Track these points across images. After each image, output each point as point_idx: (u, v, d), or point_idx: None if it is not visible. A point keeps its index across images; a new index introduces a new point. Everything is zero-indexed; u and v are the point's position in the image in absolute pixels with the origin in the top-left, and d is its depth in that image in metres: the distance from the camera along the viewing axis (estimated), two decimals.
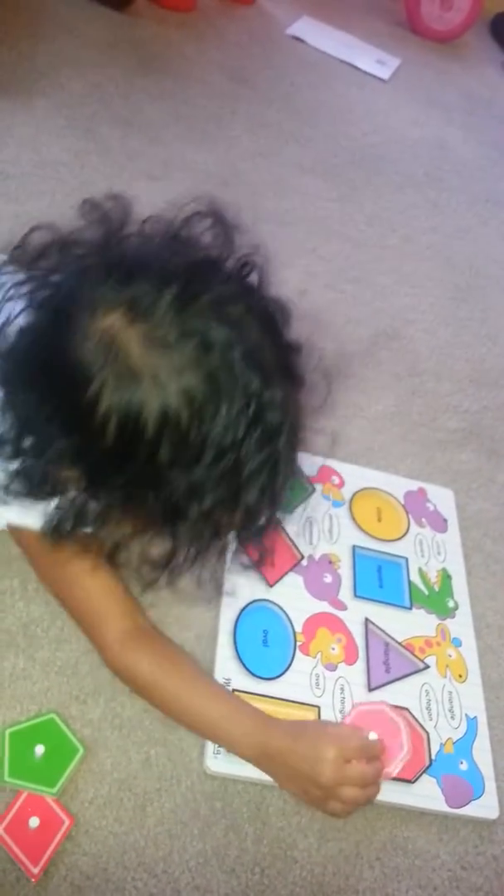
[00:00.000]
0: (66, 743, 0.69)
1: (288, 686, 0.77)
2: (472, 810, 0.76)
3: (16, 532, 0.70)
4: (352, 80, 1.87)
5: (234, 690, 0.75)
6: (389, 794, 0.73)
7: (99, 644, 0.71)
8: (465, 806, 0.75)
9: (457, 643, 0.88)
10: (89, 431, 0.55)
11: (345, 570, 0.89)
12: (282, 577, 0.85)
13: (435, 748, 0.78)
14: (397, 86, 1.92)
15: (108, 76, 1.48)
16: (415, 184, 1.62)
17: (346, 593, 0.87)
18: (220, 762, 0.71)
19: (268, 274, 0.63)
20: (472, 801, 0.76)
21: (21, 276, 0.62)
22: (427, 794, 0.75)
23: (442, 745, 0.79)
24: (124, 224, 0.62)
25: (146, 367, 0.54)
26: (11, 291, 0.62)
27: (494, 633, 0.92)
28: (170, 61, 1.61)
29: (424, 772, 0.76)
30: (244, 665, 0.77)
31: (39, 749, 0.68)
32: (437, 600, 0.91)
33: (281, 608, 0.83)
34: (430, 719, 0.80)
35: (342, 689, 0.79)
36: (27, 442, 0.60)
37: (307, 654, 0.80)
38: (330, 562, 0.89)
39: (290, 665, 0.79)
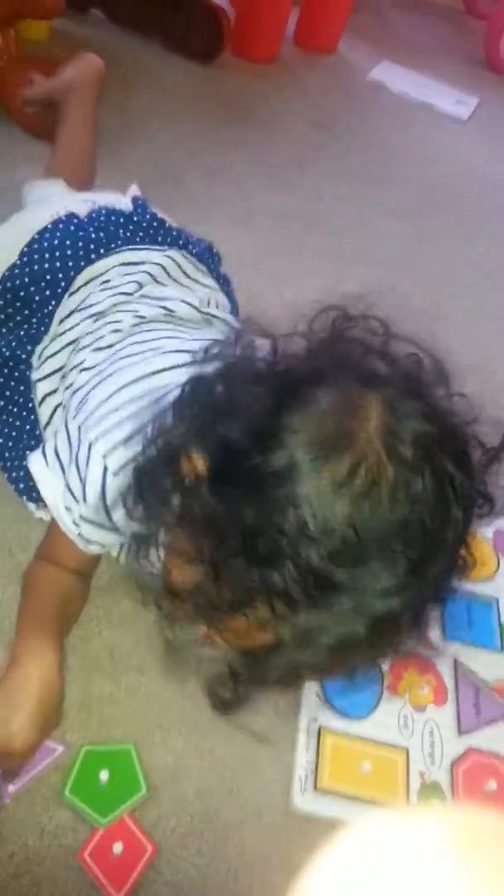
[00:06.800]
0: (132, 778, 0.68)
1: (375, 726, 0.76)
2: None
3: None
4: (431, 121, 1.89)
5: (320, 728, 0.74)
6: None
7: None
8: None
9: None
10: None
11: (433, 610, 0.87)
12: None
13: None
14: (476, 125, 1.93)
15: (195, 127, 1.54)
16: (494, 221, 1.61)
17: (434, 633, 0.85)
18: (306, 800, 0.70)
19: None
20: None
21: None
22: None
23: None
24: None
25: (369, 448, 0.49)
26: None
27: None
28: (254, 111, 1.67)
29: None
30: (331, 704, 0.76)
31: (104, 775, 0.67)
32: None
33: None
34: None
35: (431, 733, 0.77)
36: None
37: (395, 694, 0.79)
38: None
39: (377, 704, 0.77)
